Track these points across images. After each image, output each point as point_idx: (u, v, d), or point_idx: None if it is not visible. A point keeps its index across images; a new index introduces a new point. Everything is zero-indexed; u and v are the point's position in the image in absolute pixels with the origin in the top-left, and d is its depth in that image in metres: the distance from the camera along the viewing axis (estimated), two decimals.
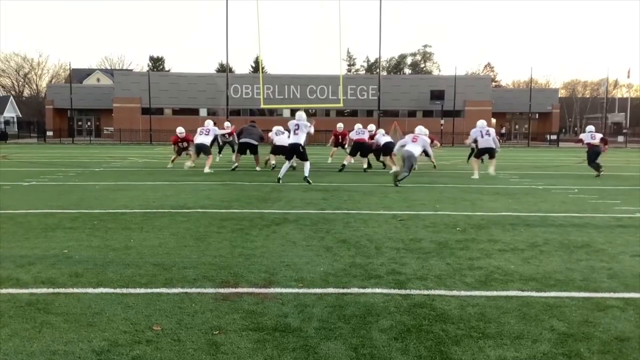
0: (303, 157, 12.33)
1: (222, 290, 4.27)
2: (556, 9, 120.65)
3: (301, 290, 4.28)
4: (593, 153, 14.88)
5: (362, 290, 4.28)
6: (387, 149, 16.00)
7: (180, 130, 16.99)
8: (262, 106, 34.87)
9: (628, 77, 54.56)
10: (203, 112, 46.55)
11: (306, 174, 12.12)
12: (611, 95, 64.87)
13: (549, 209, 8.69)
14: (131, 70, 71.79)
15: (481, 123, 14.46)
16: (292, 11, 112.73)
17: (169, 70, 68.80)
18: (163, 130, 41.19)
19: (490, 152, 14.24)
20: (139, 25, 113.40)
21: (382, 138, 16.47)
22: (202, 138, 15.56)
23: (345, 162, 15.90)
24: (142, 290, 4.25)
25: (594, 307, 3.92)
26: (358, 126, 16.94)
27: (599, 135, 15.25)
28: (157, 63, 73.76)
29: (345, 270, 4.88)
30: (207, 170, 14.76)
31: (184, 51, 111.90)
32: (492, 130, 14.51)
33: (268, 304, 3.96)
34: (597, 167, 14.68)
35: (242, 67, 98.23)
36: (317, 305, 3.92)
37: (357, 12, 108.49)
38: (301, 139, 12.30)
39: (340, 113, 45.09)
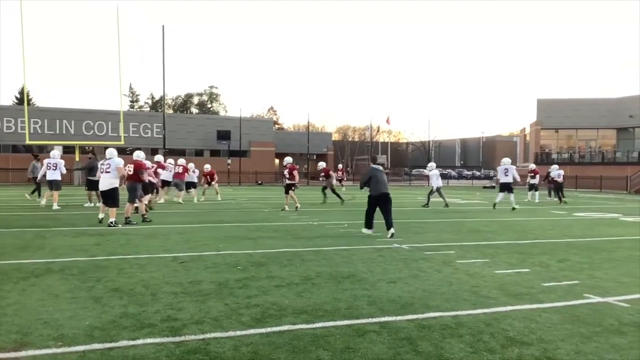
0: (509, 190, 17.64)
1: None
2: (326, 60, 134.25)
3: (60, 350, 3.81)
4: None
5: (131, 343, 3.99)
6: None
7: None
8: (28, 142, 31.10)
9: (388, 123, 62.59)
10: None
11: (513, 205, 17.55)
12: (375, 139, 73.90)
13: (322, 243, 9.37)
14: None
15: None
16: (64, 38, 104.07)
17: None
18: None
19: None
20: None
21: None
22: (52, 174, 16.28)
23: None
24: None
25: (355, 333, 4.29)
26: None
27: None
28: None
29: (115, 322, 4.51)
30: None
31: None
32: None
33: None
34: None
35: (3, 98, 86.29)
36: None
37: (140, 46, 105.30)
38: (509, 178, 17.61)
39: (122, 151, 42.64)
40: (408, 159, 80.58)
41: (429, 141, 68.60)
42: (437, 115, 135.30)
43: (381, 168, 10.85)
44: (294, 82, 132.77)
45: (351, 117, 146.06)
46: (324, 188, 20.66)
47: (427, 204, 19.05)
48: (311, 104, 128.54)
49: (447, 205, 18.83)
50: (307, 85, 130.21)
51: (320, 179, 21.33)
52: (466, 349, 3.98)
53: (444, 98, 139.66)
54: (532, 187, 23.03)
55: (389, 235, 10.03)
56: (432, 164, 20.31)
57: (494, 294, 5.73)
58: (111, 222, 11.43)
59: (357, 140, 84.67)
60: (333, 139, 69.70)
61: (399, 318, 4.73)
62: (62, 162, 16.73)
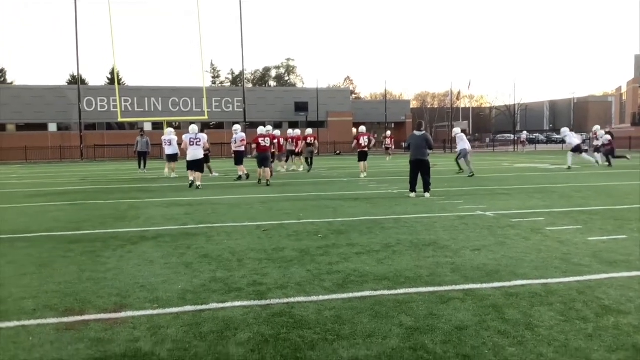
0: None
1: (65, 320, 3.91)
2: (405, 27, 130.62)
3: (156, 312, 4.06)
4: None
5: (221, 305, 4.18)
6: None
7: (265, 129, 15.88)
8: (120, 120, 33.04)
9: (468, 88, 60.54)
10: (52, 127, 43.01)
11: None
12: (456, 105, 71.51)
13: (402, 211, 9.27)
14: None
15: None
16: (150, 20, 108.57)
17: (11, 83, 62.40)
18: (4, 148, 37.40)
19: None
20: None
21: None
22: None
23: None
24: None
25: (438, 300, 4.22)
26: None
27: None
28: None
29: (205, 285, 4.75)
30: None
31: (30, 63, 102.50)
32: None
33: (118, 329, 3.70)
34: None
35: (97, 78, 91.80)
36: (173, 326, 3.75)
37: (219, 23, 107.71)
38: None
39: (206, 125, 44.30)
40: (492, 124, 77.37)
41: (514, 105, 65.27)
42: (523, 77, 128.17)
43: (421, 134, 11.58)
44: (370, 50, 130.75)
45: (430, 84, 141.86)
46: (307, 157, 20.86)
47: (461, 169, 18.03)
48: (388, 71, 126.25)
49: (459, 171, 17.95)
50: (383, 53, 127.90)
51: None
52: (557, 317, 3.81)
53: (530, 58, 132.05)
54: (597, 150, 23.02)
55: (427, 196, 11.24)
56: (458, 128, 19.00)
57: (587, 261, 5.43)
58: (198, 185, 13.82)
59: (436, 107, 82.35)
60: (411, 106, 68.26)
61: (484, 286, 4.61)
62: (176, 138, 18.96)
